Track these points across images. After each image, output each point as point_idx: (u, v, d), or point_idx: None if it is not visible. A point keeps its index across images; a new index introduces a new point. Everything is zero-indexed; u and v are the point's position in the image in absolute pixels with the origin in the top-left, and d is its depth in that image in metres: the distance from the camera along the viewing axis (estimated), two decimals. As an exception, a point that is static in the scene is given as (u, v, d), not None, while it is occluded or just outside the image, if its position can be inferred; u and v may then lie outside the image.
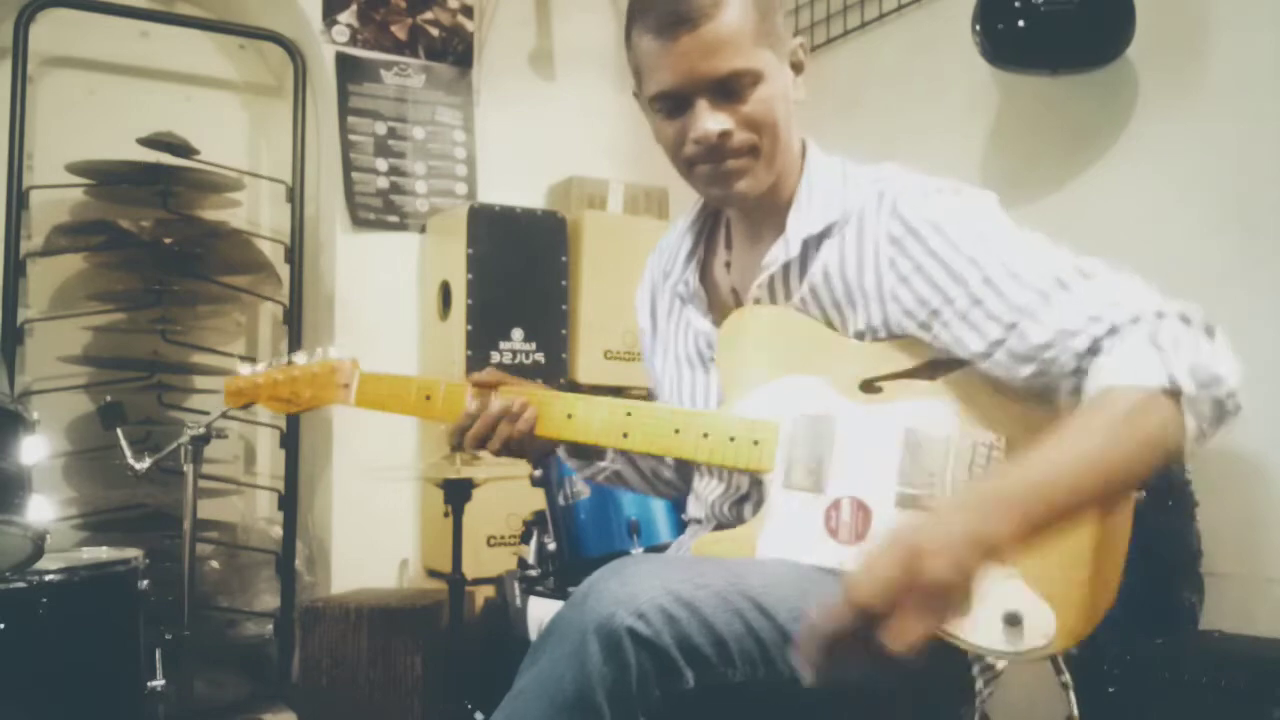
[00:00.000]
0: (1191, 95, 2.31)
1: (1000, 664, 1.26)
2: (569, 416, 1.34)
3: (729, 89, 1.19)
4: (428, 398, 1.41)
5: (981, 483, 1.09)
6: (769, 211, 1.31)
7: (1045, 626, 1.06)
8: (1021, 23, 2.31)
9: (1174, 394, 1.00)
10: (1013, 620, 1.06)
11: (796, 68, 1.27)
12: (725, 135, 1.20)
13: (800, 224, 1.28)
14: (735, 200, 1.28)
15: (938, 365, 1.18)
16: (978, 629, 1.07)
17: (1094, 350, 1.05)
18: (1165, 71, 2.36)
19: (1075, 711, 1.12)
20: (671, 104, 1.21)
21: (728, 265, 1.39)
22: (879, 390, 1.20)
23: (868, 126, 3.10)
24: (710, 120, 1.19)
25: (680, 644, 0.99)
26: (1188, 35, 2.31)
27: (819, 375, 1.23)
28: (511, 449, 1.36)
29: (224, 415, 2.16)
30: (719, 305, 1.39)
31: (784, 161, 1.27)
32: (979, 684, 1.26)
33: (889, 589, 0.87)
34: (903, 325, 1.20)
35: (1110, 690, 2.05)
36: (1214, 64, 2.27)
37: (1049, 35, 2.31)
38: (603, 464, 1.48)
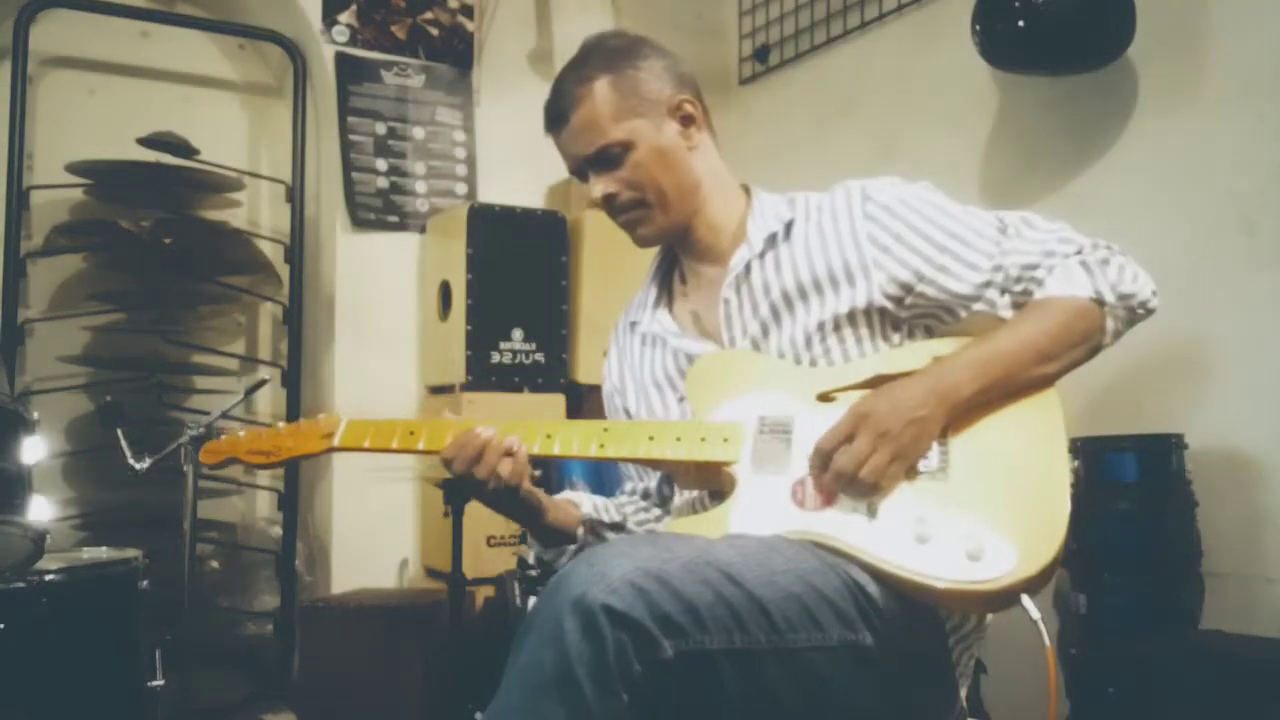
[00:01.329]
0: (1191, 95, 2.31)
1: (973, 623, 1.32)
2: (548, 436, 1.40)
3: (606, 160, 1.44)
4: (411, 433, 1.44)
5: (943, 358, 1.31)
6: (718, 240, 1.49)
7: (1007, 555, 1.16)
8: (1021, 23, 2.31)
9: (1099, 303, 1.31)
10: (975, 556, 1.16)
11: (686, 120, 1.47)
12: (610, 197, 1.46)
13: (759, 229, 1.46)
14: (642, 243, 1.51)
15: (883, 378, 1.31)
16: (945, 566, 1.17)
17: (1047, 277, 1.34)
18: (1165, 71, 2.36)
19: (1047, 642, 1.16)
20: (579, 178, 1.50)
21: (685, 295, 1.55)
22: (833, 399, 1.34)
23: (868, 126, 3.11)
24: (596, 187, 1.46)
25: (653, 615, 1.02)
26: (1188, 35, 2.31)
27: (779, 393, 1.37)
28: (500, 483, 1.35)
29: (224, 415, 2.16)
30: (687, 332, 1.53)
31: (683, 203, 1.46)
32: (955, 655, 1.30)
33: (841, 442, 1.23)
34: (886, 290, 1.37)
35: (1110, 690, 2.05)
36: (1214, 64, 2.27)
37: (1049, 35, 2.31)
38: (572, 546, 1.50)
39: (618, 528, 1.53)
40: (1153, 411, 2.28)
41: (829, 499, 1.26)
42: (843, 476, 1.23)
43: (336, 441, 1.47)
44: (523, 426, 1.40)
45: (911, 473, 1.25)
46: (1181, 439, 2.14)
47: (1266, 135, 2.18)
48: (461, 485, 1.39)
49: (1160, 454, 2.13)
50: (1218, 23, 2.27)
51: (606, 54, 1.46)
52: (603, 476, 2.49)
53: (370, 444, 1.45)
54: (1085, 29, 2.29)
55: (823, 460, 1.25)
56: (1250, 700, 1.78)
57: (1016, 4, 2.30)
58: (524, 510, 1.44)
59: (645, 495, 1.61)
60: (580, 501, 1.52)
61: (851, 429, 1.24)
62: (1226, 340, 2.20)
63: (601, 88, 1.43)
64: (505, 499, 1.39)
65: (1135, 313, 1.34)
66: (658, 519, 1.58)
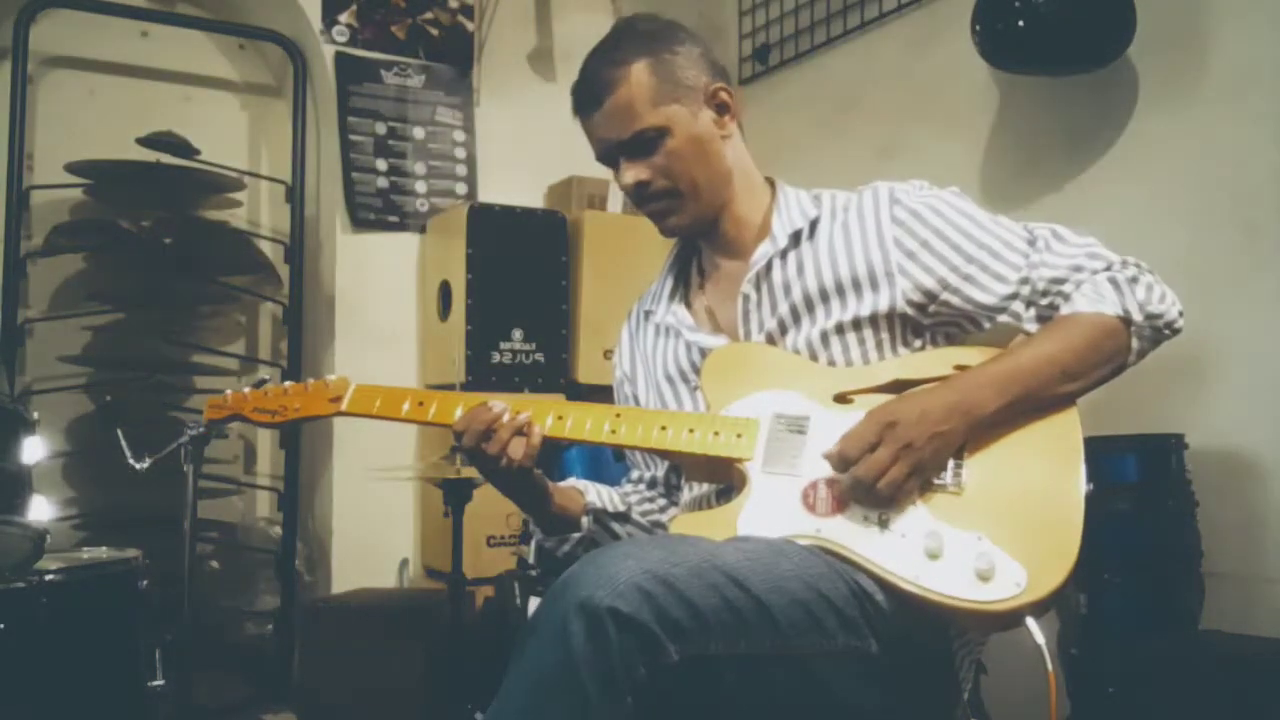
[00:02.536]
0: (1191, 95, 2.31)
1: (978, 634, 1.31)
2: (559, 417, 1.37)
3: (640, 146, 1.39)
4: (420, 403, 1.42)
5: (967, 371, 1.28)
6: (741, 233, 1.47)
7: (1017, 577, 1.15)
8: (1021, 23, 2.31)
9: (1126, 322, 1.28)
10: (985, 576, 1.15)
11: (721, 108, 1.44)
12: (642, 184, 1.41)
13: (784, 224, 1.43)
14: (670, 234, 1.48)
15: (902, 383, 1.31)
16: (954, 584, 1.16)
17: (1074, 292, 1.32)
18: (1165, 71, 2.36)
19: (1050, 667, 1.16)
20: (608, 164, 1.44)
21: (701, 288, 1.53)
22: (850, 401, 1.32)
23: (868, 126, 3.10)
24: (628, 174, 1.41)
25: (659, 619, 1.02)
26: (1188, 35, 2.31)
27: (796, 390, 1.35)
28: (510, 462, 1.34)
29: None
30: (702, 327, 1.51)
31: (714, 193, 1.43)
32: (958, 660, 1.30)
33: (865, 449, 1.21)
34: (909, 296, 1.36)
35: (1110, 690, 2.05)
36: (1214, 64, 2.27)
37: (1049, 35, 2.31)
38: (577, 535, 1.48)
39: (622, 517, 1.52)
40: (1153, 411, 2.28)
41: (840, 505, 1.24)
42: (860, 485, 1.21)
43: (344, 406, 1.45)
44: (534, 404, 1.38)
45: (926, 487, 1.23)
46: (1181, 439, 2.14)
47: (1266, 135, 2.18)
48: (470, 460, 1.37)
49: (1160, 454, 2.13)
50: (1218, 22, 2.27)
51: (643, 37, 1.42)
52: (603, 478, 2.48)
53: (379, 410, 1.44)
54: (1085, 29, 2.29)
55: (843, 464, 1.23)
56: (1250, 700, 1.78)
57: (1016, 4, 2.30)
58: (530, 493, 1.42)
59: (652, 484, 1.60)
60: (585, 489, 1.50)
61: (876, 437, 1.22)
62: (1226, 340, 2.20)
63: (639, 71, 1.38)
64: (513, 479, 1.37)
65: (1161, 333, 1.31)
66: (662, 509, 1.57)
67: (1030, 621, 1.15)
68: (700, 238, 1.52)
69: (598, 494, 1.51)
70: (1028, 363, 1.26)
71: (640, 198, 1.43)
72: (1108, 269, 1.31)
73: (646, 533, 1.54)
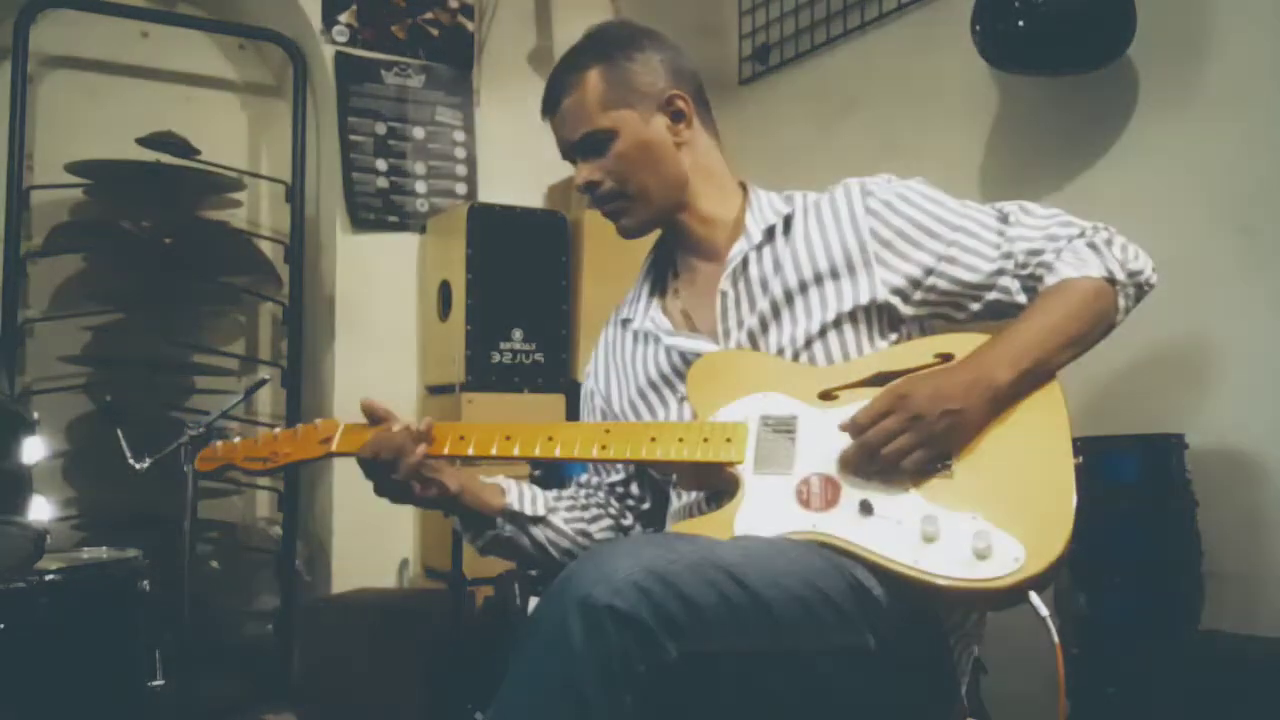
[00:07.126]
0: (1191, 95, 2.31)
1: (973, 620, 1.32)
2: (550, 439, 1.40)
3: (591, 147, 1.45)
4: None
5: (976, 350, 1.30)
6: (713, 234, 1.50)
7: (1015, 553, 1.16)
8: (1021, 23, 2.31)
9: (1111, 282, 1.33)
10: (983, 555, 1.16)
11: (676, 116, 1.47)
12: (591, 184, 1.47)
13: (758, 221, 1.46)
14: (624, 234, 1.51)
15: (884, 375, 1.32)
16: (953, 565, 1.17)
17: (1056, 261, 1.36)
18: (1165, 71, 2.36)
19: (1056, 639, 1.18)
20: (571, 163, 1.50)
21: (676, 292, 1.54)
22: (836, 398, 1.34)
23: (868, 126, 3.10)
24: (580, 174, 1.47)
25: (657, 616, 1.02)
26: (1188, 35, 2.31)
27: (781, 392, 1.37)
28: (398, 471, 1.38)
29: (224, 415, 2.16)
30: (680, 330, 1.52)
31: (666, 197, 1.47)
32: (955, 655, 1.30)
33: (877, 417, 1.24)
34: (892, 284, 1.38)
35: (1110, 690, 2.05)
36: (1214, 64, 2.27)
37: (1049, 35, 2.31)
38: (492, 531, 1.50)
39: (539, 521, 1.52)
40: (1153, 411, 2.28)
41: (834, 501, 1.25)
42: (866, 449, 1.24)
43: (334, 446, 1.47)
44: (525, 429, 1.40)
45: (920, 473, 1.24)
46: (1182, 439, 2.14)
47: (1266, 135, 2.18)
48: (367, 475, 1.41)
49: (1160, 454, 2.13)
50: (1218, 23, 2.27)
51: (604, 43, 1.47)
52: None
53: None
54: (1085, 29, 2.29)
55: (855, 431, 1.25)
56: (1250, 700, 1.78)
57: (1016, 4, 2.30)
58: (428, 498, 1.45)
59: (609, 489, 1.59)
60: (508, 489, 1.51)
61: (888, 407, 1.24)
62: (1226, 340, 2.19)
63: (593, 76, 1.44)
64: (408, 489, 1.41)
65: (1142, 289, 1.36)
66: (594, 519, 1.56)
67: (1033, 596, 1.16)
68: (669, 240, 1.55)
69: (519, 495, 1.51)
70: (1034, 334, 1.29)
71: (592, 197, 1.49)
72: (1081, 235, 1.36)
73: (569, 540, 1.53)
